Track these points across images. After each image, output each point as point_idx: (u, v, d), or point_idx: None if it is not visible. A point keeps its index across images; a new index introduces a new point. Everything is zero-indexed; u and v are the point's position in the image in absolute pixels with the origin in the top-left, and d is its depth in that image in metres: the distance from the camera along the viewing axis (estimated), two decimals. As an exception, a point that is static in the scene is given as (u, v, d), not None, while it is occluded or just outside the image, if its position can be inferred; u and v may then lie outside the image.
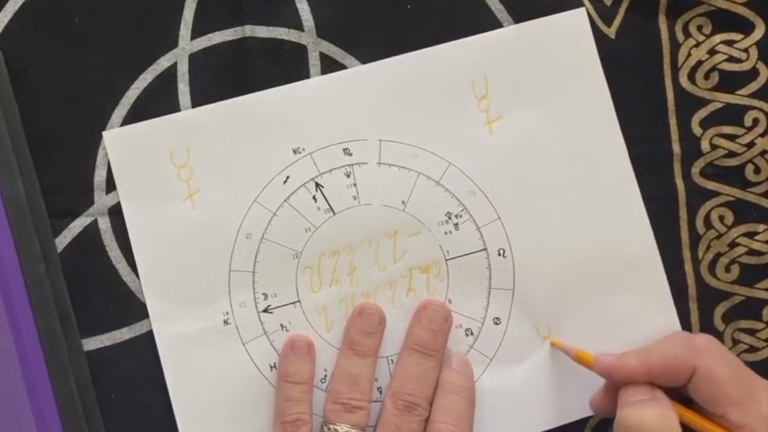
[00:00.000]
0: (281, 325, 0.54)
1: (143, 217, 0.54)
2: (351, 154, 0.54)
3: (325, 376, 0.54)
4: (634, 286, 0.55)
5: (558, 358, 0.54)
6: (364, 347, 0.53)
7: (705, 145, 0.55)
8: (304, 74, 0.55)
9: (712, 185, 0.55)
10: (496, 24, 0.55)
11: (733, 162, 0.55)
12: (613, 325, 0.54)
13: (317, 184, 0.54)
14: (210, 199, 0.54)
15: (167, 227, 0.54)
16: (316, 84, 0.55)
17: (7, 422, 0.52)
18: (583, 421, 0.55)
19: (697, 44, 0.55)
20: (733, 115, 0.55)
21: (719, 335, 0.55)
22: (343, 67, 0.55)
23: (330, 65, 0.55)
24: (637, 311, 0.54)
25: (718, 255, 0.55)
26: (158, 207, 0.54)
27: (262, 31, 0.55)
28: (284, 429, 0.52)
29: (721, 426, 0.48)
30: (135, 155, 0.54)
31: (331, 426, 0.51)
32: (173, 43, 0.55)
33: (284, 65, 0.55)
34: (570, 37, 0.55)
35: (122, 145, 0.54)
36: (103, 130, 0.54)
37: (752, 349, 0.55)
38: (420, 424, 0.51)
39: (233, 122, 0.54)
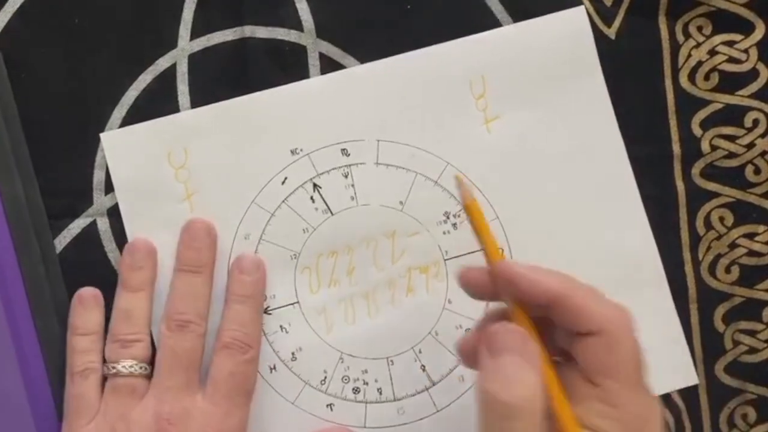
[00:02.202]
0: (280, 326, 0.54)
1: (141, 218, 0.54)
2: (349, 154, 0.54)
3: (325, 377, 0.54)
4: (634, 286, 0.54)
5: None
6: (134, 282, 0.53)
7: (705, 146, 0.55)
8: (304, 74, 0.55)
9: (712, 186, 0.55)
10: (496, 24, 0.55)
11: (734, 163, 0.55)
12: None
13: (315, 185, 0.54)
14: (208, 201, 0.54)
15: (165, 229, 0.54)
16: (313, 85, 0.55)
17: (6, 424, 0.52)
18: (583, 423, 0.55)
19: (698, 45, 0.55)
20: (733, 115, 0.55)
21: (719, 336, 0.55)
22: (342, 67, 0.55)
23: (330, 65, 0.55)
24: (636, 312, 0.54)
25: (719, 256, 0.55)
26: (156, 208, 0.54)
27: (262, 32, 0.55)
28: (73, 380, 0.52)
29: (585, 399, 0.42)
30: (132, 157, 0.54)
31: (111, 365, 0.51)
32: (173, 44, 0.55)
33: (284, 65, 0.55)
34: (569, 36, 0.55)
35: (120, 146, 0.54)
36: (103, 130, 0.54)
37: (752, 350, 0.55)
38: (195, 339, 0.52)
39: (230, 123, 0.54)
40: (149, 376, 0.52)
